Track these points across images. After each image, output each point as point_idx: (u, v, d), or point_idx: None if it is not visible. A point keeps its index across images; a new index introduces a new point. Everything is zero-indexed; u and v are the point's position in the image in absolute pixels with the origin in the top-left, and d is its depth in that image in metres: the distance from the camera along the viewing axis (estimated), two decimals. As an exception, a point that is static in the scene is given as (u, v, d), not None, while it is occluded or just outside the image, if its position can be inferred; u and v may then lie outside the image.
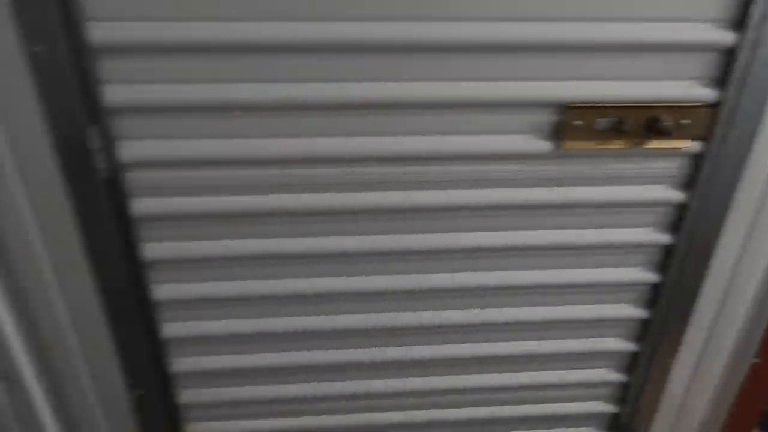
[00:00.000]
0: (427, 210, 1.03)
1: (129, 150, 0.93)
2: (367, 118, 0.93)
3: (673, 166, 1.03)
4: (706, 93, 0.95)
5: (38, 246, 0.98)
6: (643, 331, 1.22)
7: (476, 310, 1.15)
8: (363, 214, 1.03)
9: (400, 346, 1.17)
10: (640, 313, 1.19)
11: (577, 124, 0.96)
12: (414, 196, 1.01)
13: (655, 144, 0.99)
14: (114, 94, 0.88)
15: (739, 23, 0.90)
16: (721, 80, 0.95)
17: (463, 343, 1.20)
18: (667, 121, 0.96)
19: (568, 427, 1.37)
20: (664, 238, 1.10)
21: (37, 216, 0.95)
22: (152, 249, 1.03)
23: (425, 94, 0.92)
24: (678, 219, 1.08)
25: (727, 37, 0.91)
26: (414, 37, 0.87)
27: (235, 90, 0.89)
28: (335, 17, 0.85)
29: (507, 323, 1.18)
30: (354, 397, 1.24)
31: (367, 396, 1.25)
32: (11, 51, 0.82)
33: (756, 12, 0.88)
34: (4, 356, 1.10)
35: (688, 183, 1.05)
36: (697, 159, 1.02)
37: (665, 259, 1.13)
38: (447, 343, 1.19)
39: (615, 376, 1.29)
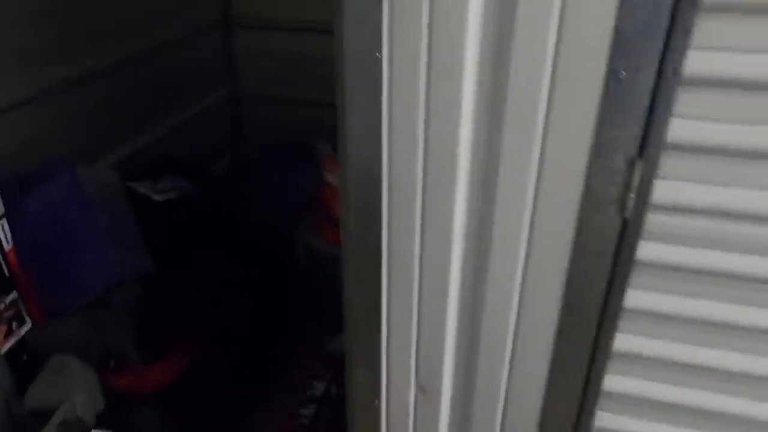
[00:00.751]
0: None
1: (663, 191, 0.84)
2: None
3: None
4: None
5: (519, 267, 0.94)
6: None
7: None
8: None
9: None
10: None
11: None
12: None
13: None
14: (682, 129, 0.79)
15: None
16: None
17: None
18: None
19: None
20: None
21: (532, 237, 0.91)
22: (634, 297, 0.93)
23: None
24: None
25: None
26: None
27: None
28: None
29: None
30: None
31: None
32: (597, 74, 0.77)
33: None
34: (433, 370, 1.10)
35: None
36: None
37: None
38: None
39: None
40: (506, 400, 1.08)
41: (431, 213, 0.94)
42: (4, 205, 1.59)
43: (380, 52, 0.83)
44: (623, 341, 0.98)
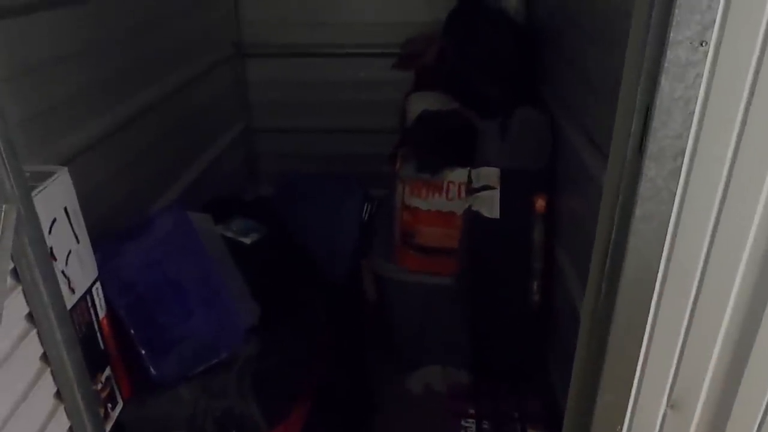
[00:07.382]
0: None
1: None
2: None
3: None
4: None
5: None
6: None
7: None
8: None
9: None
10: None
11: None
12: None
13: None
14: None
15: None
16: None
17: None
18: None
19: None
20: None
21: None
22: None
23: None
24: None
25: None
26: None
27: None
28: None
29: None
30: None
31: None
32: None
33: None
34: (692, 386, 1.03)
35: None
36: None
37: None
38: None
39: None
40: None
41: (724, 227, 0.88)
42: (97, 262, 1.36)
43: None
44: None
